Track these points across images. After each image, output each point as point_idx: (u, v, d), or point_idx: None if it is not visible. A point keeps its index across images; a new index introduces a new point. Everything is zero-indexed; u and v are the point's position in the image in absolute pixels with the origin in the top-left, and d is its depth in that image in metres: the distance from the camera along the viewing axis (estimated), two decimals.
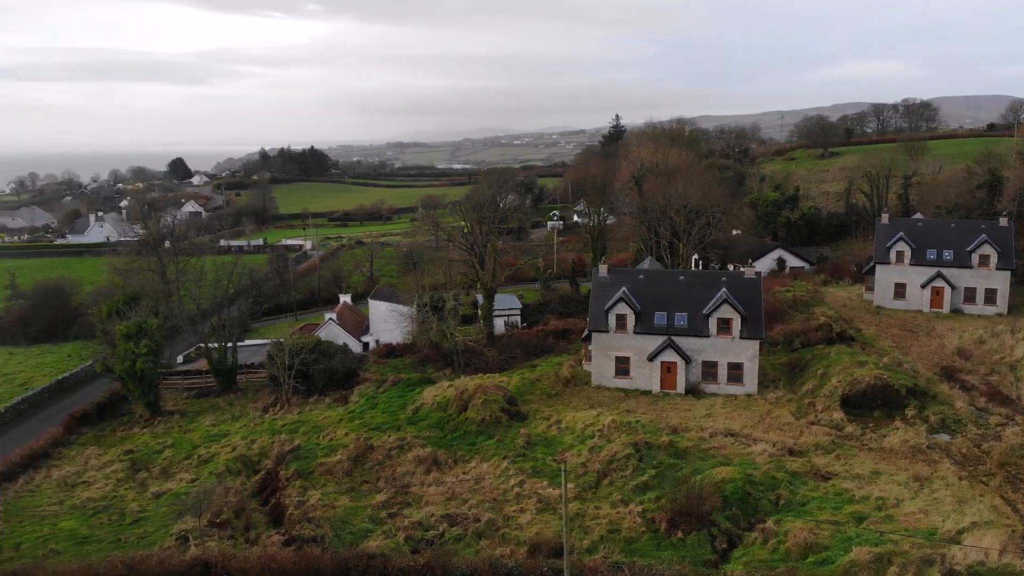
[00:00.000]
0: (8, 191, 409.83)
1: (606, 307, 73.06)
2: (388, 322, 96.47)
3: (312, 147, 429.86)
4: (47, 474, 63.08)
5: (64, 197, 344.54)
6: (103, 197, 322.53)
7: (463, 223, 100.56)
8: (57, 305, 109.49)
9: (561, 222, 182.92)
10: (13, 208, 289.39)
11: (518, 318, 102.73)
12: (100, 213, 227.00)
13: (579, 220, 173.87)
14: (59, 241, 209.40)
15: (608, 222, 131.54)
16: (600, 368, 73.94)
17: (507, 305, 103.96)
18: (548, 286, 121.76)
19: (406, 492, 53.75)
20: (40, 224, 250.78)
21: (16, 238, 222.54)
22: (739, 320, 70.52)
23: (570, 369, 77.24)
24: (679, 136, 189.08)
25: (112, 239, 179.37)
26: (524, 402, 68.91)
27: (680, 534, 45.01)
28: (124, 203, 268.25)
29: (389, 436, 62.13)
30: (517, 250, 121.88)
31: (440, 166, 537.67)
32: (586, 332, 76.98)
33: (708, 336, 71.21)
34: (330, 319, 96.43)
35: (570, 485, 49.31)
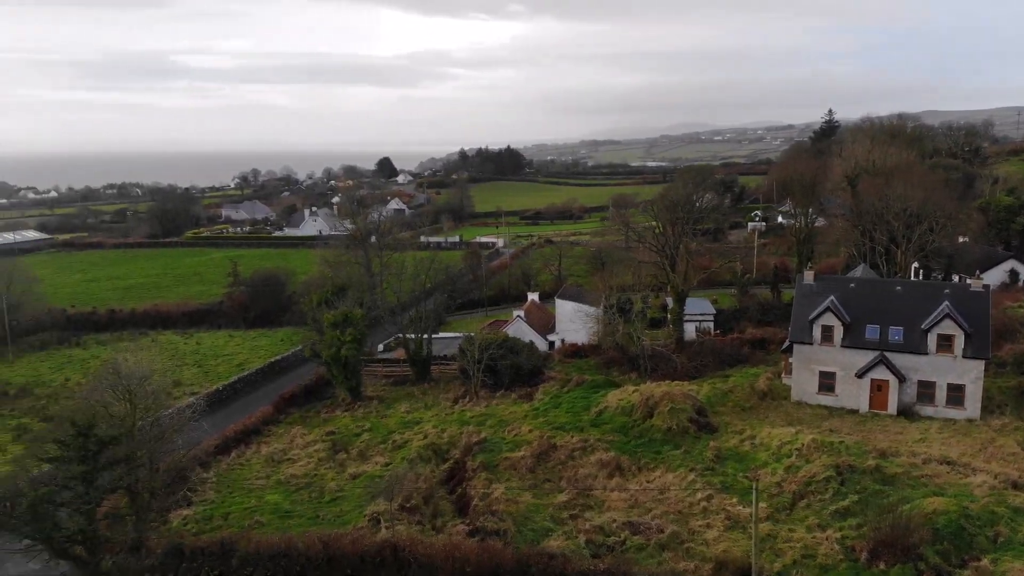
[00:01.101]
0: (233, 185, 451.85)
1: (811, 317, 69.47)
2: (574, 322, 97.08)
3: (508, 147, 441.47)
4: (257, 449, 68.85)
5: (282, 192, 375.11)
6: (317, 193, 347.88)
7: (655, 223, 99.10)
8: (273, 293, 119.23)
9: (763, 223, 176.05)
10: (237, 202, 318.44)
11: (711, 324, 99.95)
12: (314, 208, 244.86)
13: (783, 221, 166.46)
14: (276, 233, 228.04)
15: (816, 224, 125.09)
16: (801, 383, 70.43)
17: (699, 310, 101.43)
18: (746, 291, 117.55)
19: (588, 495, 53.83)
20: (260, 217, 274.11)
21: (239, 229, 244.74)
22: (962, 337, 64.73)
23: (767, 382, 74.13)
24: (900, 133, 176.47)
25: (324, 233, 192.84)
26: (715, 413, 66.96)
27: (882, 566, 42.03)
28: (335, 199, 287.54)
29: (572, 437, 62.48)
30: (713, 252, 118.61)
31: (634, 164, 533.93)
32: (787, 343, 73.52)
33: (926, 354, 65.92)
34: (518, 316, 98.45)
35: (762, 504, 47.33)
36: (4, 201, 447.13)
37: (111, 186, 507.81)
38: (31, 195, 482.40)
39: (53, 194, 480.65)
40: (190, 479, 61.06)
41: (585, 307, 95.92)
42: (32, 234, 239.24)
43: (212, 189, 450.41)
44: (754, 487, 38.36)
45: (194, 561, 47.56)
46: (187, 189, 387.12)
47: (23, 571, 49.92)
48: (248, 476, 63.13)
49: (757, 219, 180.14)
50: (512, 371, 79.29)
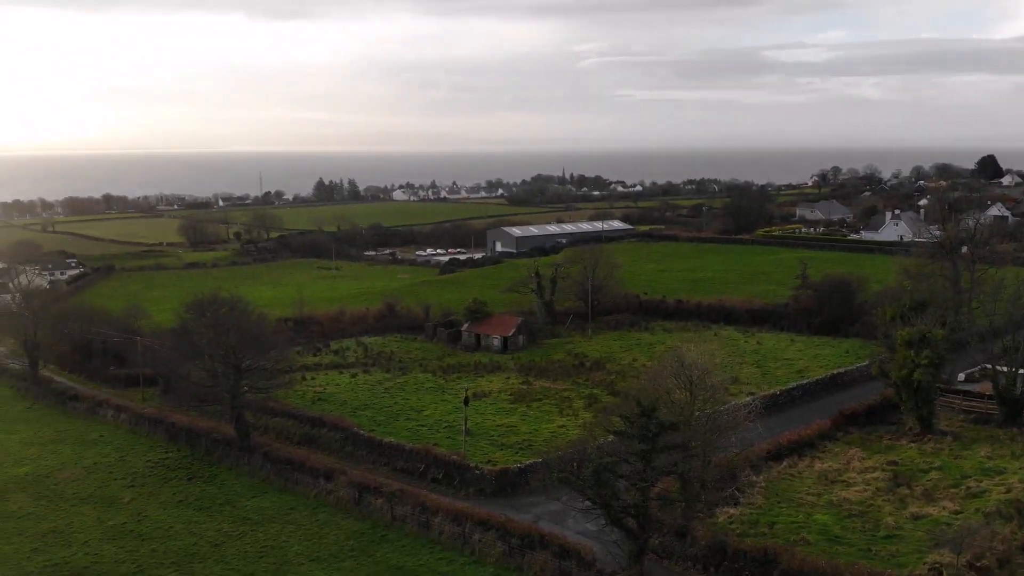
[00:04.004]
0: (810, 183, 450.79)
1: None
2: None
3: None
4: (809, 464, 67.99)
5: (862, 192, 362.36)
6: (902, 194, 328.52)
7: None
8: (842, 300, 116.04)
9: None
10: (813, 200, 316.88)
11: None
12: (897, 211, 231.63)
13: None
14: (852, 236, 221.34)
15: None
16: None
17: None
18: None
19: None
20: (836, 218, 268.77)
21: (812, 230, 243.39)
22: None
23: None
24: None
25: (906, 239, 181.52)
26: None
27: None
28: (923, 202, 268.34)
29: None
30: None
31: None
32: None
33: None
34: None
35: None
36: (597, 193, 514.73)
37: (690, 182, 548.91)
38: (619, 189, 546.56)
39: (638, 188, 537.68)
40: (739, 479, 62.99)
41: None
42: (617, 224, 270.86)
43: (788, 187, 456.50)
44: None
45: (736, 562, 49.09)
46: (763, 186, 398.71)
47: (581, 529, 57.18)
48: (798, 489, 62.80)
49: None
50: None
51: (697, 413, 55.15)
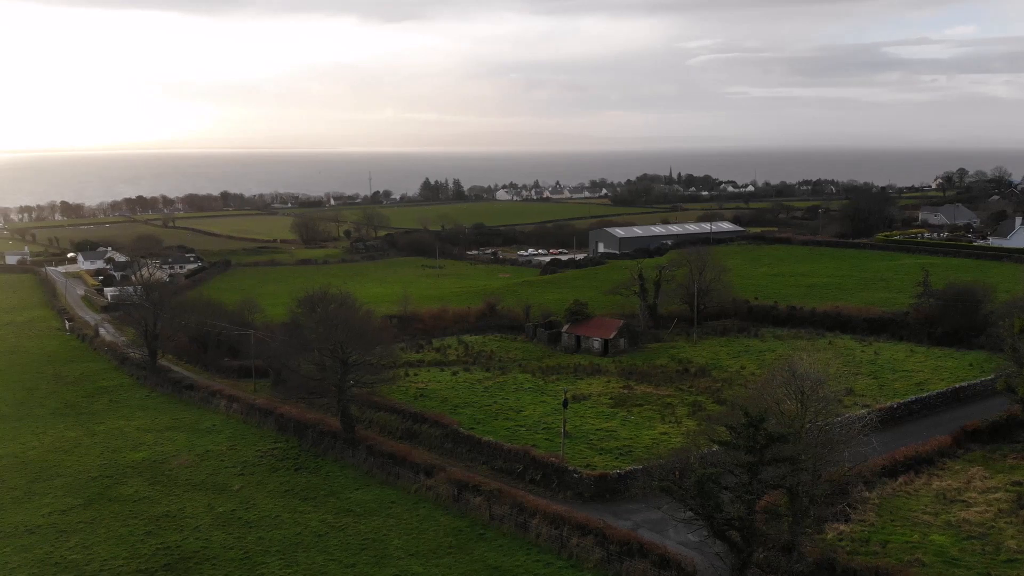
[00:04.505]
0: (934, 186, 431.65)
1: None
2: None
3: None
4: (926, 481, 65.05)
5: (990, 196, 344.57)
6: None
7: None
8: (966, 310, 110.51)
9: None
10: (937, 204, 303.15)
11: None
12: None
13: None
14: (978, 242, 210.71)
15: None
16: None
17: None
18: None
19: None
20: (961, 223, 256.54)
21: (935, 235, 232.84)
22: None
23: None
24: None
25: None
26: None
27: None
28: None
29: None
30: None
31: None
32: None
33: None
34: None
35: None
36: (706, 193, 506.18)
37: (806, 182, 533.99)
38: (730, 189, 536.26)
39: (750, 188, 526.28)
40: (851, 495, 60.86)
41: None
42: (726, 225, 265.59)
43: (910, 189, 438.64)
44: None
45: None
46: (883, 188, 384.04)
47: (682, 539, 56.29)
48: (914, 508, 60.23)
49: None
50: None
51: (808, 425, 53.45)
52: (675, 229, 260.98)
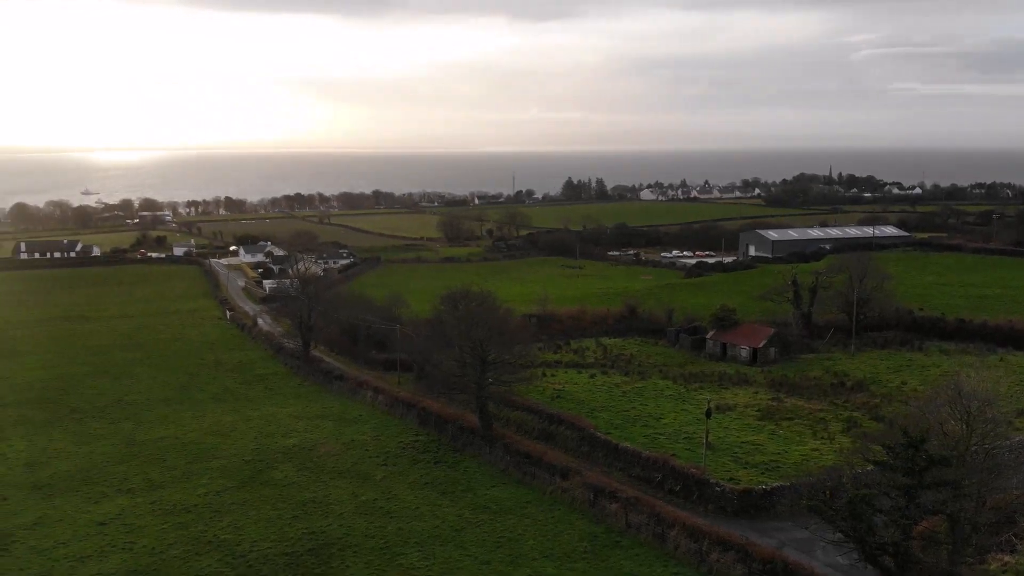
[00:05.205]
0: None
1: None
2: None
3: None
4: None
5: None
6: None
7: None
8: None
9: None
10: None
11: None
12: None
13: None
14: None
15: None
16: None
17: None
18: None
19: None
20: None
21: None
22: None
23: None
24: None
25: None
26: None
27: None
28: None
29: None
30: None
31: None
32: None
33: None
34: None
35: None
36: (869, 195, 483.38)
37: (979, 185, 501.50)
38: (895, 191, 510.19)
39: (917, 191, 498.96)
40: (1019, 524, 56.73)
41: None
42: (890, 230, 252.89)
43: None
44: None
45: None
46: None
47: (831, 561, 53.97)
48: None
49: None
50: None
51: (974, 448, 50.18)
52: (834, 232, 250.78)
